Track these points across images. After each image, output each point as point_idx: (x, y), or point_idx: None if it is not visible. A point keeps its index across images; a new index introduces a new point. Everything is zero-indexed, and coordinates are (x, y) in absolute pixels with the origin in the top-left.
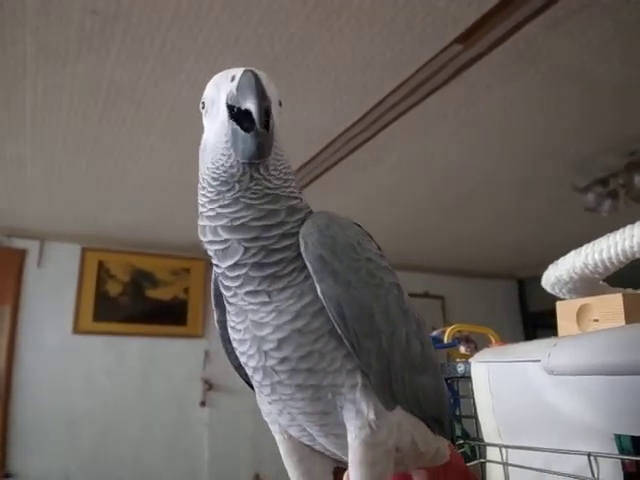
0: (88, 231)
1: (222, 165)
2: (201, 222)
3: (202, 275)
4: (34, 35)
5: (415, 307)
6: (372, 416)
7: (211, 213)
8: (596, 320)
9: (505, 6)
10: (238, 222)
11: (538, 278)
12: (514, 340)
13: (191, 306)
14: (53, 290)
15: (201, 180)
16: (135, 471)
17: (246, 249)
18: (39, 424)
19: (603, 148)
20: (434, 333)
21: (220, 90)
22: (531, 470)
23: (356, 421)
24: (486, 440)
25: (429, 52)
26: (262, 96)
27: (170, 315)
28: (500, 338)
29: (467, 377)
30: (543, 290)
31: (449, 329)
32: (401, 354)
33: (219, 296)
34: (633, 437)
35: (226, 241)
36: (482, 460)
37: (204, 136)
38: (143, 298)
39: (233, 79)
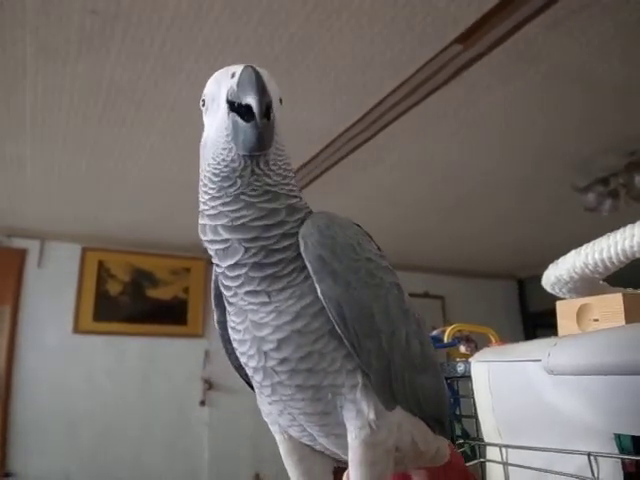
0: (88, 231)
1: (223, 160)
2: (202, 220)
3: (202, 275)
4: (34, 35)
5: (415, 307)
6: (372, 416)
7: (212, 212)
8: (596, 320)
9: (505, 6)
10: (239, 222)
11: (538, 278)
12: (514, 340)
13: (191, 306)
14: (53, 290)
15: (202, 177)
16: (135, 471)
17: (246, 249)
18: (39, 424)
19: (603, 148)
20: (434, 332)
21: (220, 87)
22: (531, 470)
23: (356, 421)
24: (486, 440)
25: (429, 52)
26: (262, 91)
27: (170, 315)
28: (500, 338)
29: (467, 377)
30: (543, 290)
31: (449, 329)
32: (401, 354)
33: (219, 296)
34: (633, 437)
35: (226, 241)
36: (482, 460)
37: (204, 133)
38: (143, 298)
39: (233, 75)
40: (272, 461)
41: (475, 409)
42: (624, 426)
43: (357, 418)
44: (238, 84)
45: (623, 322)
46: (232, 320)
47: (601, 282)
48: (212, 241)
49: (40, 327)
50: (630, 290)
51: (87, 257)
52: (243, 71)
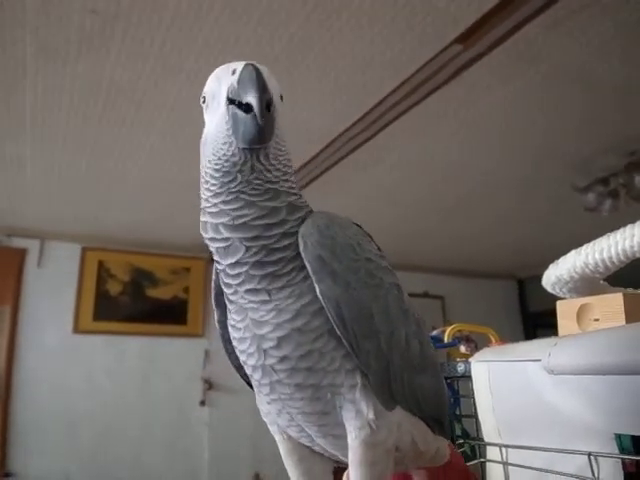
0: (88, 231)
1: (224, 155)
2: (203, 218)
3: (202, 274)
4: (34, 35)
5: (415, 307)
6: (372, 416)
7: (214, 209)
8: (596, 320)
9: (505, 6)
10: (240, 221)
11: (538, 278)
12: (514, 340)
13: (191, 305)
14: (53, 289)
15: (203, 174)
16: (135, 471)
17: (247, 248)
18: (39, 424)
19: (603, 148)
20: (434, 332)
21: (221, 84)
22: (531, 470)
23: (355, 421)
24: (486, 439)
25: (429, 52)
26: (263, 89)
27: (170, 314)
28: (500, 338)
29: (467, 376)
30: (543, 290)
31: (449, 329)
32: (400, 354)
33: (220, 295)
34: (633, 437)
35: (227, 239)
36: (482, 460)
37: (205, 130)
38: (143, 297)
39: (234, 73)
40: (272, 461)
41: (475, 409)
42: (624, 426)
43: (356, 418)
44: (239, 82)
45: (623, 322)
46: (232, 318)
47: (601, 282)
48: (213, 239)
49: (40, 327)
50: (630, 290)
51: (87, 257)
52: (244, 69)
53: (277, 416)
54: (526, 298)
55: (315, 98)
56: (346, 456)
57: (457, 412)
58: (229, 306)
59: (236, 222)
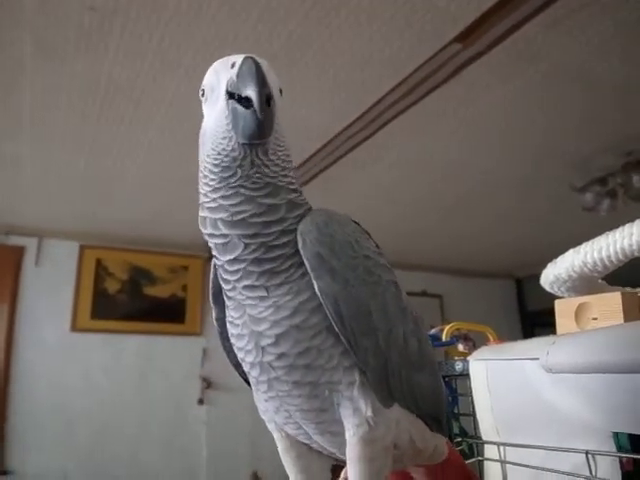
0: (86, 229)
1: (223, 149)
2: (202, 213)
3: (200, 272)
4: (32, 33)
5: (413, 305)
6: (370, 413)
7: (212, 204)
8: (595, 318)
9: (504, 5)
10: (238, 217)
11: (536, 277)
12: (512, 339)
13: (189, 304)
14: (51, 288)
15: (202, 169)
16: (132, 469)
17: (246, 245)
18: (37, 422)
19: (603, 147)
20: (433, 331)
21: (220, 77)
22: (529, 468)
23: (354, 418)
24: (484, 438)
25: (428, 50)
26: (262, 83)
27: (168, 313)
28: (498, 336)
29: (465, 375)
30: (541, 289)
31: (447, 327)
32: (398, 352)
33: (218, 293)
34: (630, 435)
35: (226, 236)
36: (480, 458)
37: (203, 124)
38: (141, 296)
39: (233, 66)
40: (270, 459)
41: (473, 407)
42: (622, 424)
43: (354, 415)
44: (238, 75)
45: (622, 321)
46: (230, 315)
47: (600, 281)
48: (212, 235)
49: (38, 325)
50: (629, 289)
51: (85, 255)
52: (243, 62)
53: (275, 413)
54: (524, 297)
55: (314, 96)
56: (344, 453)
57: (455, 410)
58: (227, 302)
59: (235, 218)
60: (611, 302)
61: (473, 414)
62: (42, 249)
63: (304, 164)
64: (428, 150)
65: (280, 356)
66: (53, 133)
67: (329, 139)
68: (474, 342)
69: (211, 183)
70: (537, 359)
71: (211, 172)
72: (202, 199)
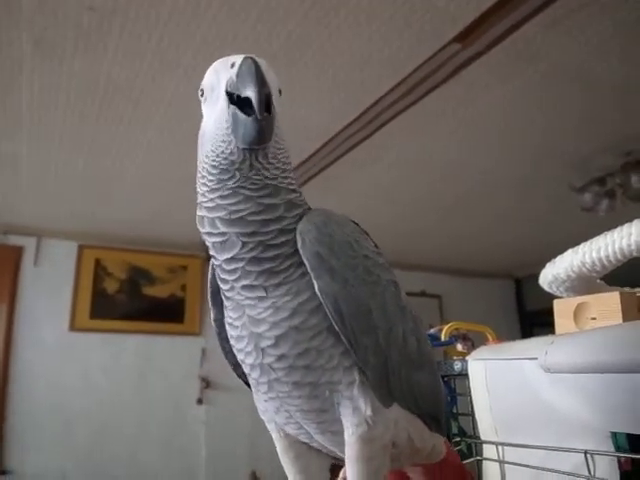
0: (85, 228)
1: (222, 152)
2: (200, 212)
3: (199, 272)
4: (31, 33)
5: (412, 305)
6: (369, 412)
7: (210, 204)
8: (593, 318)
9: (504, 5)
10: (236, 215)
11: (535, 277)
12: (511, 338)
13: (188, 303)
14: (50, 287)
15: (200, 169)
16: (131, 469)
17: (244, 244)
18: (36, 422)
19: (602, 147)
20: (432, 331)
21: (220, 77)
22: (527, 468)
23: (353, 418)
24: (483, 438)
25: (427, 50)
26: (262, 83)
27: (167, 312)
28: (497, 336)
29: (464, 375)
30: (540, 289)
31: (446, 327)
32: (398, 351)
33: (216, 293)
34: (629, 435)
35: (224, 234)
36: (479, 458)
37: (203, 124)
38: (140, 296)
39: (233, 66)
40: (269, 459)
41: (472, 407)
42: (620, 424)
43: (354, 415)
44: (238, 75)
45: (620, 321)
46: (229, 316)
47: (598, 281)
48: (210, 233)
49: (36, 325)
50: (627, 289)
51: (84, 255)
52: (243, 62)
53: (275, 414)
54: (523, 297)
55: (313, 96)
56: (344, 452)
57: (454, 410)
58: (226, 303)
59: (233, 216)
60: (610, 302)
61: (472, 414)
62: (41, 249)
63: (303, 164)
64: (427, 150)
65: (280, 357)
66: (52, 133)
67: (328, 139)
68: (473, 342)
69: (209, 184)
70: (536, 359)
71: (209, 173)
72: (200, 199)
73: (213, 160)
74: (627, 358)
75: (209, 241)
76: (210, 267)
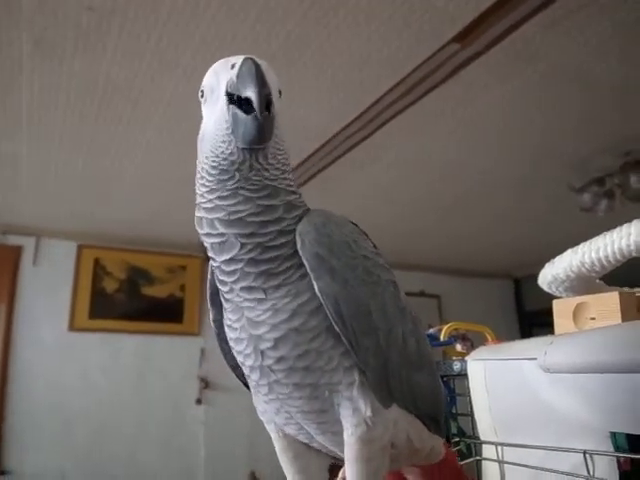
0: (84, 228)
1: (222, 152)
2: (198, 213)
3: (198, 272)
4: (30, 33)
5: (411, 305)
6: (369, 413)
7: (209, 205)
8: (593, 318)
9: (503, 5)
10: (235, 216)
11: (534, 277)
12: (510, 339)
13: (187, 304)
14: (49, 287)
15: (200, 169)
16: (130, 469)
17: (242, 245)
18: (35, 421)
19: (601, 148)
20: (431, 331)
21: (220, 78)
22: (527, 468)
23: (352, 418)
24: (482, 438)
25: (426, 50)
26: (262, 84)
27: (166, 312)
28: (496, 336)
29: (463, 375)
30: (539, 289)
31: (446, 327)
32: (398, 351)
33: (215, 295)
34: (628, 435)
35: (222, 235)
36: (478, 458)
37: (202, 125)
38: (139, 295)
39: (233, 67)
40: (268, 459)
41: (471, 407)
42: (620, 424)
43: (353, 415)
44: (238, 76)
45: (619, 321)
46: (228, 318)
47: (597, 281)
48: (208, 234)
49: (36, 325)
50: (626, 289)
51: (83, 254)
52: (243, 63)
53: (275, 415)
54: (522, 297)
55: (312, 96)
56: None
57: (453, 410)
58: (225, 305)
59: (232, 217)
60: (609, 302)
61: (471, 414)
62: (40, 249)
63: (302, 164)
64: (426, 150)
65: (279, 359)
66: (51, 133)
67: (327, 139)
68: (472, 342)
69: (208, 184)
70: (535, 359)
71: (209, 174)
72: (199, 199)
73: (213, 161)
74: (626, 358)
75: (208, 242)
76: (209, 268)
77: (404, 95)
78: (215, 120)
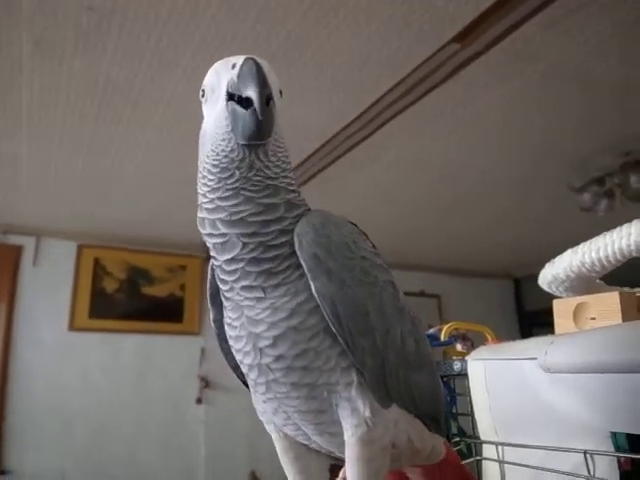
0: (84, 228)
1: (222, 150)
2: (200, 214)
3: (198, 272)
4: (30, 33)
5: (410, 305)
6: (368, 413)
7: (210, 205)
8: (593, 318)
9: (503, 5)
10: (237, 216)
11: (534, 277)
12: (510, 338)
13: (187, 303)
14: (49, 287)
15: (201, 169)
16: (130, 468)
17: (244, 244)
18: (35, 421)
19: (601, 147)
20: (431, 331)
21: (220, 78)
22: (527, 468)
23: (352, 419)
24: (482, 438)
25: (426, 50)
26: (263, 84)
27: (166, 312)
28: (496, 336)
29: (464, 375)
30: (539, 289)
31: (446, 327)
32: (396, 352)
33: (215, 294)
34: (628, 435)
35: (224, 235)
36: (478, 458)
37: (203, 125)
38: (139, 295)
39: (234, 67)
40: (268, 459)
41: (471, 407)
42: (620, 424)
43: (353, 416)
44: (239, 76)
45: (620, 321)
46: (228, 316)
47: (598, 281)
48: (210, 234)
49: (36, 324)
50: (627, 289)
51: (83, 254)
52: (244, 63)
53: (273, 415)
54: (522, 297)
55: (312, 96)
56: (343, 453)
57: (453, 410)
58: (225, 303)
59: (233, 217)
60: (609, 302)
61: (471, 414)
62: (40, 248)
63: (302, 164)
64: (426, 150)
65: (278, 358)
66: (51, 133)
67: (327, 139)
68: (472, 342)
69: (209, 183)
70: (535, 359)
71: (209, 172)
72: (200, 199)
73: (214, 159)
74: (627, 358)
75: (210, 242)
76: (210, 268)
77: (404, 95)
78: (215, 118)
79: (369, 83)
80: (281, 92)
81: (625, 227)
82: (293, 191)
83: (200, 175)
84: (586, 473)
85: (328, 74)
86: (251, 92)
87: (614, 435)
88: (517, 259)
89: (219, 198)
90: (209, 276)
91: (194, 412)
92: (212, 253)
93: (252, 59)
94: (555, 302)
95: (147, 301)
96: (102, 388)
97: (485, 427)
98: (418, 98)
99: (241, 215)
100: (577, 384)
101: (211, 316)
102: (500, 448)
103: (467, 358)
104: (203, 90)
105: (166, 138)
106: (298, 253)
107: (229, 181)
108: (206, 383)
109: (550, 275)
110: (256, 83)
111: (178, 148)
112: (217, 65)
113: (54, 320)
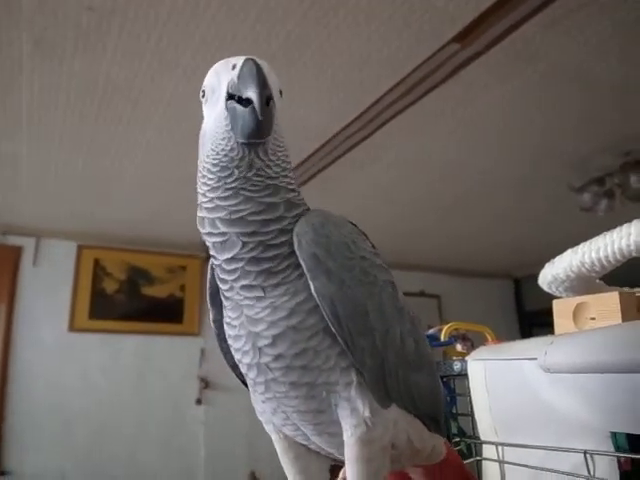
0: (84, 229)
1: (222, 149)
2: (200, 213)
3: (198, 273)
4: (30, 33)
5: (410, 305)
6: (367, 413)
7: (210, 205)
8: (593, 318)
9: (503, 5)
10: (237, 215)
11: (534, 277)
12: (510, 339)
13: (187, 304)
14: (49, 288)
15: (201, 168)
16: (130, 469)
17: (244, 244)
18: (35, 422)
19: (600, 147)
20: (431, 331)
21: (221, 78)
22: (527, 468)
23: (351, 419)
24: (482, 438)
25: (426, 50)
26: (263, 85)
27: (166, 313)
28: (496, 336)
29: (463, 375)
30: (539, 289)
31: (446, 327)
32: (395, 352)
33: (215, 294)
34: (628, 435)
35: (224, 234)
36: (478, 458)
37: (203, 125)
38: (139, 296)
39: (234, 68)
40: (268, 459)
41: (471, 407)
42: (620, 424)
43: (352, 416)
44: (239, 77)
45: (619, 321)
46: (228, 316)
47: (597, 281)
48: (210, 234)
49: (36, 325)
50: (626, 289)
51: (83, 255)
52: (244, 64)
53: (272, 415)
54: (522, 297)
55: (312, 96)
56: (342, 454)
57: (453, 410)
58: (225, 303)
59: (233, 217)
60: (609, 302)
61: (471, 414)
62: (40, 249)
63: (302, 164)
64: (426, 150)
65: (277, 357)
66: (51, 133)
67: (327, 139)
68: (472, 342)
69: (209, 183)
70: (535, 359)
71: (209, 172)
72: (200, 199)
73: (214, 158)
74: (627, 358)
75: (209, 241)
76: (209, 267)
77: (404, 95)
78: (215, 118)
79: (369, 83)
80: (281, 92)
81: (625, 227)
82: (293, 190)
83: (200, 174)
84: (586, 473)
85: (328, 74)
86: (251, 93)
87: (614, 435)
88: (517, 259)
89: (219, 197)
90: (209, 275)
91: (194, 412)
92: (212, 252)
93: (252, 60)
94: (555, 302)
95: (147, 302)
96: (102, 389)
97: (485, 427)
98: (418, 98)
99: (241, 214)
100: (577, 384)
101: (211, 316)
102: (500, 448)
103: (467, 358)
104: (203, 91)
105: (166, 138)
106: (297, 253)
107: (229, 180)
108: (206, 384)
109: (550, 275)
110: (256, 84)
111: (178, 148)
112: (217, 66)
113: (54, 321)
